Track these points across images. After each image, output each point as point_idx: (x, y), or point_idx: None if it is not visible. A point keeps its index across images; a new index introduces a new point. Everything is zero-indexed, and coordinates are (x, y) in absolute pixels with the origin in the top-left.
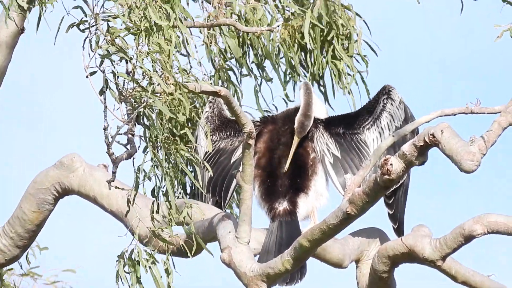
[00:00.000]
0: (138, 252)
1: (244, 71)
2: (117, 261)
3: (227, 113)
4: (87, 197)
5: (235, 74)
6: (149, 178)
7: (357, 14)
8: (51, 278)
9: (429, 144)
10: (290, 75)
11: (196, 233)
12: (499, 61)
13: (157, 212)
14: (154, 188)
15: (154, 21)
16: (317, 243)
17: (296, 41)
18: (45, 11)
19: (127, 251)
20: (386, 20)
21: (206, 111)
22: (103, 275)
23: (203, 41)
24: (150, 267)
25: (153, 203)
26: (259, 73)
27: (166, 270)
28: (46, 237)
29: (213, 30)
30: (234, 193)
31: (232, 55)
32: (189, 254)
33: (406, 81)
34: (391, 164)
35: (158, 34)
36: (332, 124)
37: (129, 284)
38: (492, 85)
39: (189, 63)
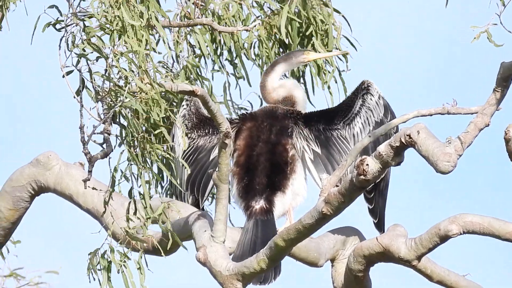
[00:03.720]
0: (111, 250)
1: (216, 68)
2: (89, 255)
3: (205, 111)
4: (63, 195)
5: (200, 71)
6: (126, 178)
7: (335, 10)
8: (35, 279)
9: (405, 144)
10: None
11: (172, 232)
12: (477, 62)
13: (135, 213)
14: (131, 188)
15: (128, 21)
16: (292, 243)
17: (274, 38)
18: (8, 9)
19: (99, 249)
20: (369, 18)
21: (184, 109)
22: (83, 276)
23: (173, 39)
24: (122, 265)
25: (129, 203)
26: (233, 71)
27: (139, 269)
28: (24, 235)
29: (185, 28)
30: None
31: (202, 53)
32: (162, 253)
33: (387, 79)
34: (367, 165)
35: (132, 34)
36: (311, 120)
37: (99, 281)
38: (469, 86)
39: (165, 61)
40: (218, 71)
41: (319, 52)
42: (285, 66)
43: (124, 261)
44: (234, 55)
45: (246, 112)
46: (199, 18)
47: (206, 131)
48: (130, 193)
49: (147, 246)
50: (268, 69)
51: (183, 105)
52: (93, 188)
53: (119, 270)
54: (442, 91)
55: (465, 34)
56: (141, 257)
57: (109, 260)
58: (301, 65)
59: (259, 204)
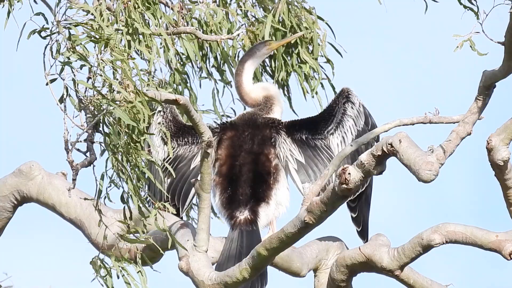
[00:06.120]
0: (110, 257)
1: (204, 75)
2: (91, 263)
3: (182, 119)
4: (45, 205)
5: (188, 78)
6: (115, 184)
7: (319, 17)
8: None
9: (387, 153)
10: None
11: (155, 242)
12: (458, 70)
13: (131, 218)
14: (122, 194)
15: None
16: (275, 252)
17: None
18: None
19: (97, 258)
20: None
21: (161, 115)
22: None
23: (161, 44)
24: (122, 270)
25: (124, 208)
26: (220, 77)
27: (139, 272)
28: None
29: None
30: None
31: (190, 60)
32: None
33: (369, 86)
34: (349, 174)
35: (117, 43)
36: (294, 129)
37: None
38: (451, 94)
39: (154, 69)
40: (206, 78)
41: (281, 40)
42: (253, 61)
43: (123, 268)
44: (221, 62)
45: (226, 121)
46: (183, 26)
47: (186, 140)
48: (122, 197)
49: (132, 256)
50: (238, 68)
51: (159, 111)
52: (85, 199)
53: (118, 276)
54: (425, 100)
55: (449, 42)
56: (139, 257)
57: (108, 266)
58: (266, 56)
59: (243, 214)
